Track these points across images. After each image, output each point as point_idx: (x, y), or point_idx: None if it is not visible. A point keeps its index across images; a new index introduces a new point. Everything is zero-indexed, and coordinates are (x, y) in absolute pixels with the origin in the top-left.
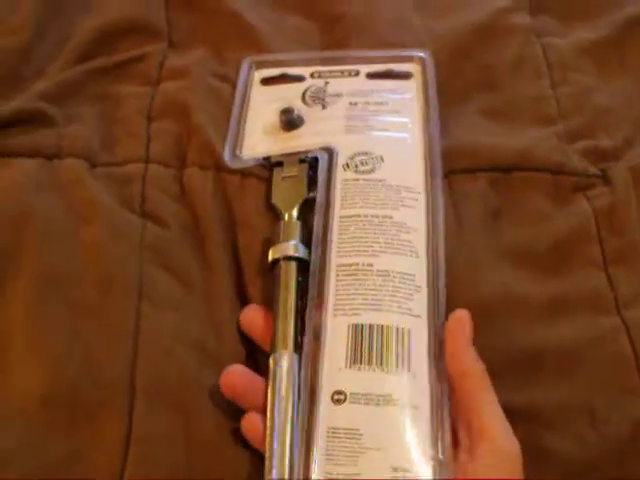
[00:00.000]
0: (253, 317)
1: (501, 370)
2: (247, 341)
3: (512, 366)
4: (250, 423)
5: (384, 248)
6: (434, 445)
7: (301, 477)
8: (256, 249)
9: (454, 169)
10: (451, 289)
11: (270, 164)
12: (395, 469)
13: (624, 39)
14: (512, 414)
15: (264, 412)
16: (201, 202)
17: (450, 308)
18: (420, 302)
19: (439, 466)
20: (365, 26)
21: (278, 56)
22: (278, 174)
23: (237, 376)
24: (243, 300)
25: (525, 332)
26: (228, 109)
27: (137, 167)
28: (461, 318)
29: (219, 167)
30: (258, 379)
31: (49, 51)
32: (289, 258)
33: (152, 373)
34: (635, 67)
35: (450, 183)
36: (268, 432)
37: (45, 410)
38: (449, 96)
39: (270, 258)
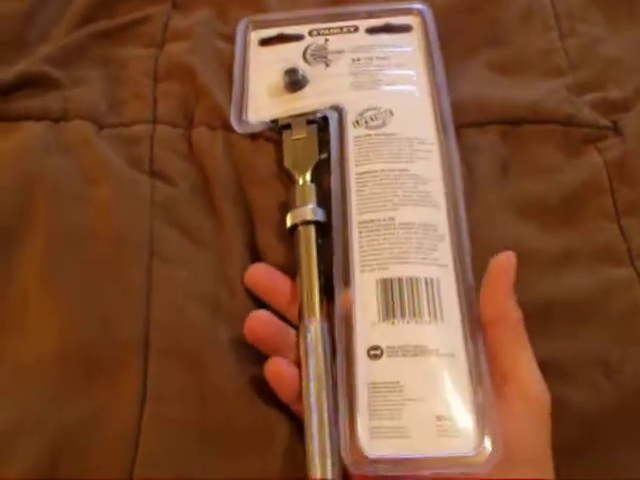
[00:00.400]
0: (257, 277)
1: None
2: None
3: (525, 318)
4: (274, 367)
5: (404, 201)
6: (474, 391)
7: (347, 436)
8: (267, 205)
9: (462, 123)
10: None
11: (278, 127)
12: (439, 418)
13: None
14: None
15: (288, 358)
16: (210, 161)
17: None
18: (445, 251)
19: (481, 411)
20: None
21: (274, 15)
22: (288, 137)
23: (263, 320)
24: (255, 256)
25: (537, 284)
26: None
27: (144, 128)
28: (504, 262)
29: (227, 127)
30: (282, 325)
31: (52, 15)
32: (307, 222)
33: (165, 329)
34: None
35: (459, 137)
36: (305, 400)
37: (61, 369)
38: (456, 50)
39: (289, 224)
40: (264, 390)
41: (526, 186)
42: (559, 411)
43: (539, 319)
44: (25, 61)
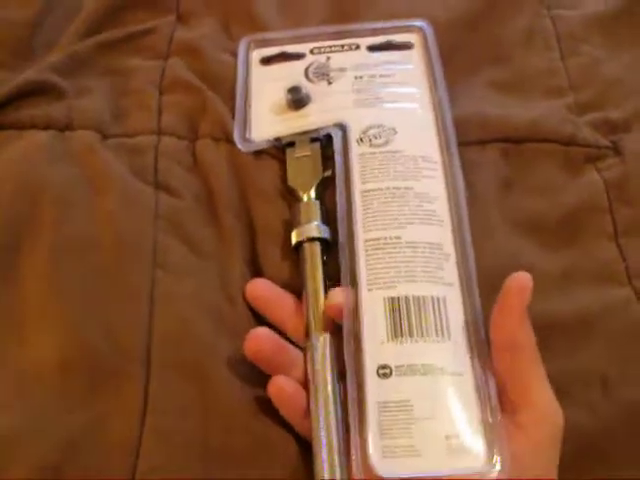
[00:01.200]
0: (257, 291)
1: None
2: None
3: None
4: (277, 385)
5: (410, 219)
6: (483, 409)
7: (359, 454)
8: (270, 221)
9: (464, 141)
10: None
11: (281, 144)
12: (448, 436)
13: (634, 11)
14: None
15: (290, 376)
16: (214, 173)
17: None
18: (450, 270)
19: (490, 429)
20: None
21: (275, 34)
22: (291, 155)
23: (263, 339)
24: (257, 270)
25: (536, 302)
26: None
27: (149, 139)
28: (520, 284)
29: (231, 140)
30: (282, 342)
31: (59, 23)
32: (313, 239)
33: (168, 340)
34: None
35: (460, 154)
36: (313, 418)
37: (63, 377)
38: (458, 68)
39: (294, 241)
40: (266, 404)
41: (526, 204)
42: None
43: (537, 336)
44: (31, 69)
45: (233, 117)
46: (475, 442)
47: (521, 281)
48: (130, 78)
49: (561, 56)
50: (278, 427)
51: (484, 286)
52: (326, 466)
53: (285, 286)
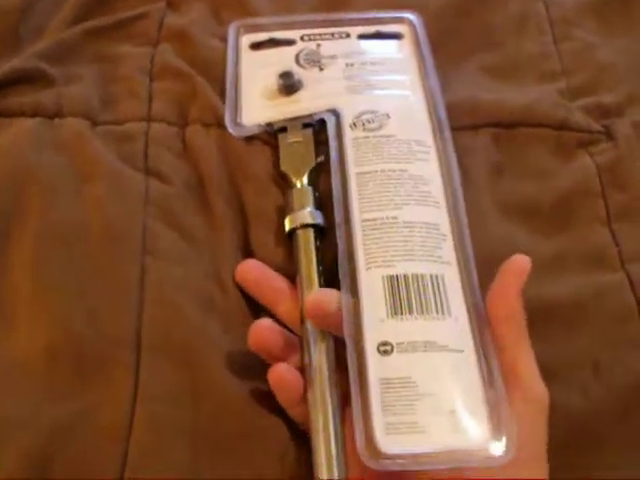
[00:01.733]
0: (247, 272)
1: None
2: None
3: None
4: (277, 372)
5: (405, 200)
6: (485, 386)
7: (362, 432)
8: (262, 207)
9: (456, 125)
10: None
11: (273, 130)
12: (452, 412)
13: None
14: None
15: (290, 363)
16: (204, 159)
17: None
18: (448, 250)
19: (493, 405)
20: None
21: (264, 20)
22: (284, 140)
23: (266, 332)
24: (249, 256)
25: (530, 286)
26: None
27: (139, 125)
28: (520, 264)
29: (222, 125)
30: (284, 332)
31: (47, 10)
32: (306, 226)
33: (158, 327)
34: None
35: (453, 139)
36: (310, 401)
37: (51, 365)
38: (450, 54)
39: (287, 228)
40: (257, 390)
41: (519, 189)
42: (549, 412)
43: (530, 320)
44: (19, 56)
45: (224, 103)
46: (479, 419)
47: (520, 263)
48: (119, 65)
49: (554, 40)
50: (269, 413)
51: (478, 268)
52: (323, 448)
53: (278, 272)
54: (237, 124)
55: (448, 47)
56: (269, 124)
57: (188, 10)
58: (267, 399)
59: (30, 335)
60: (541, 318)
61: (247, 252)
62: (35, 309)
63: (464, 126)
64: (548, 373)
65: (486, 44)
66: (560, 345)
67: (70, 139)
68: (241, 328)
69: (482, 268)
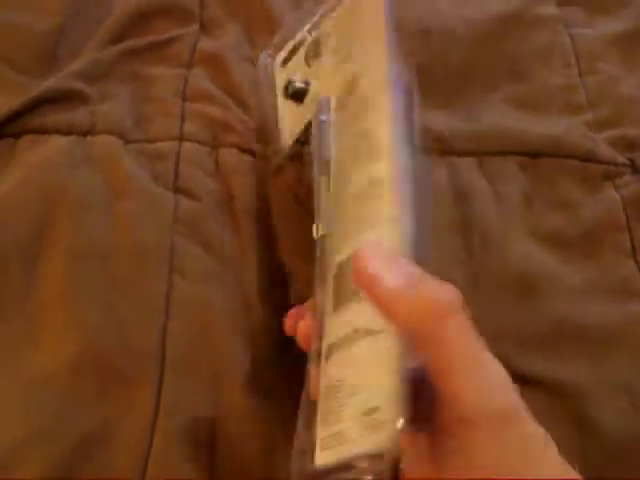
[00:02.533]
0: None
1: (533, 343)
2: (277, 315)
3: (544, 339)
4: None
5: None
6: (402, 371)
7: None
8: (291, 227)
9: (482, 151)
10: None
11: (300, 143)
12: (367, 412)
13: None
14: (549, 387)
15: None
16: (236, 179)
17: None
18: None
19: (403, 394)
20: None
21: (283, 31)
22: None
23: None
24: (276, 274)
25: (559, 308)
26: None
27: (171, 144)
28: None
29: (255, 151)
30: None
31: (84, 32)
32: None
33: (182, 344)
34: None
35: (481, 164)
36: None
37: (75, 380)
38: (476, 84)
39: (316, 235)
40: (277, 410)
41: (547, 218)
42: (588, 430)
43: (560, 341)
44: (55, 77)
45: (257, 130)
46: (393, 414)
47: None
48: (153, 85)
49: (579, 73)
50: (286, 435)
51: (506, 289)
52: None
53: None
54: (280, 148)
55: (475, 76)
56: (297, 139)
57: (221, 34)
58: (285, 418)
59: (56, 348)
60: (572, 340)
61: (275, 269)
62: (63, 323)
63: (491, 152)
64: (580, 392)
65: (512, 75)
66: (591, 367)
67: (102, 156)
68: (265, 348)
69: (511, 287)
